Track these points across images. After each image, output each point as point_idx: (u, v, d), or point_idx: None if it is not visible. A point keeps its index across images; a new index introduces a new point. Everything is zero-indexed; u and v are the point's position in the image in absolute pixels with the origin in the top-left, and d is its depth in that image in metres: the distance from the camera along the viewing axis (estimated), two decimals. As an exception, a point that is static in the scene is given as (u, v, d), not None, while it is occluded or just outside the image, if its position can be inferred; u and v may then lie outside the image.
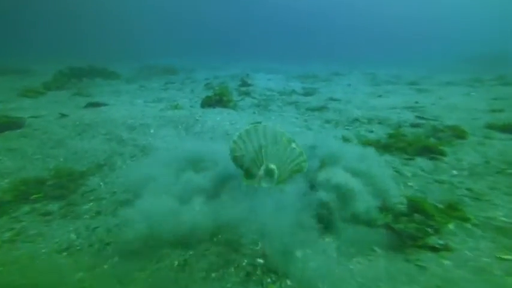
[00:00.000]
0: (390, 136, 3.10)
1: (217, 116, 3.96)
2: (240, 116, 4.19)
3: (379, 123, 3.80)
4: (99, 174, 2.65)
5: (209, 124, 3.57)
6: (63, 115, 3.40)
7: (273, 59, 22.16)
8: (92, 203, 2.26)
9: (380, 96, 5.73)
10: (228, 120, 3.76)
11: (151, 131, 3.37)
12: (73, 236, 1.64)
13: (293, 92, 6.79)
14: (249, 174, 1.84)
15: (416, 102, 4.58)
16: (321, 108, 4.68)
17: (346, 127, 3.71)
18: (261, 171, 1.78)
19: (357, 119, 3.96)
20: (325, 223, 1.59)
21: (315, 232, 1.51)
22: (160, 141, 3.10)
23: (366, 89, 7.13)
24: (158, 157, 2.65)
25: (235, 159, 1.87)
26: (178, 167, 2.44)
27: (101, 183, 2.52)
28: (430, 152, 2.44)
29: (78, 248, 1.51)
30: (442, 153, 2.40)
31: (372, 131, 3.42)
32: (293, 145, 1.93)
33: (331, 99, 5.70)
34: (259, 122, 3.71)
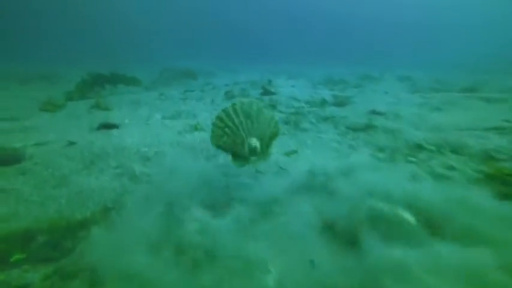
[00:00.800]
0: (487, 176, 2.20)
1: (244, 141, 3.28)
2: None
3: (453, 151, 2.89)
4: (105, 222, 2.10)
5: (235, 153, 2.91)
6: (71, 143, 2.95)
7: (292, 61, 21.37)
8: (86, 273, 1.69)
9: (438, 109, 4.68)
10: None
11: (168, 162, 2.79)
12: None
13: (324, 102, 5.92)
14: (236, 155, 1.94)
15: (508, 121, 3.52)
16: (365, 127, 3.81)
17: (409, 158, 2.83)
18: (246, 149, 1.88)
19: (420, 146, 3.06)
20: None
21: None
22: (177, 176, 2.50)
23: (411, 99, 6.07)
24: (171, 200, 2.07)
25: (220, 148, 1.99)
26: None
27: (105, 237, 1.94)
28: None
29: None
30: None
31: (452, 167, 2.51)
32: (265, 112, 2.04)
33: (374, 112, 4.78)
34: (295, 151, 2.97)
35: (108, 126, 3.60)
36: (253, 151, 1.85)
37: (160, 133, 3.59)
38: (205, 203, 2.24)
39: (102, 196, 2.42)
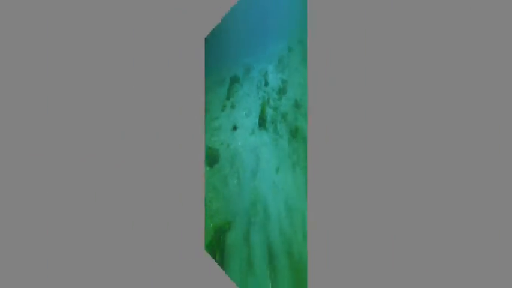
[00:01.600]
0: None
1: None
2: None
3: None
4: (234, 228, 1.69)
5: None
6: (228, 145, 2.79)
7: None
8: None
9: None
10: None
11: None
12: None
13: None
14: None
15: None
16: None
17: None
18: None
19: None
20: None
21: None
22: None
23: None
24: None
25: None
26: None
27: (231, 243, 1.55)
28: None
29: None
30: None
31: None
32: None
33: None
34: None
35: (234, 128, 3.07)
36: None
37: (244, 138, 2.35)
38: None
39: (231, 205, 2.02)
